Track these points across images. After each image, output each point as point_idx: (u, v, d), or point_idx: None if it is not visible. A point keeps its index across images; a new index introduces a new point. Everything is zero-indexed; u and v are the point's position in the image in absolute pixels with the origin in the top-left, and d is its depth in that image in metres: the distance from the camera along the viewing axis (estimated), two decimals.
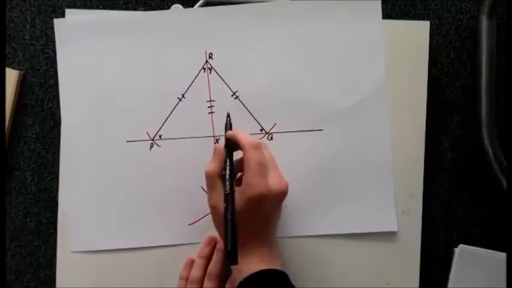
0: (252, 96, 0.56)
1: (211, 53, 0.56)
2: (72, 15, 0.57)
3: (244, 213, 0.47)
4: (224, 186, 0.47)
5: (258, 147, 0.48)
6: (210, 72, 0.56)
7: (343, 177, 0.55)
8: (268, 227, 0.51)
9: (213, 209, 0.49)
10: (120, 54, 0.56)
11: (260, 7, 0.56)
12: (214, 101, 0.56)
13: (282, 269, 0.49)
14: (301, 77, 0.56)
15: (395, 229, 0.55)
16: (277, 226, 0.54)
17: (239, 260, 0.45)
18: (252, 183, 0.47)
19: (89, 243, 0.56)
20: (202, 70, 0.56)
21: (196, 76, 0.56)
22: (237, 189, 0.48)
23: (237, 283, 0.48)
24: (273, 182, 0.48)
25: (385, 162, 0.55)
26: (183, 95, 0.56)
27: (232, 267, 0.50)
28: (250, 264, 0.48)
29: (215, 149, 0.50)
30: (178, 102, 0.56)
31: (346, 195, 0.55)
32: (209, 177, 0.49)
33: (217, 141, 0.56)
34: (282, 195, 0.49)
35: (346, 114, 0.55)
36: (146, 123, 0.56)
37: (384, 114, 0.55)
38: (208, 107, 0.56)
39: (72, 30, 0.57)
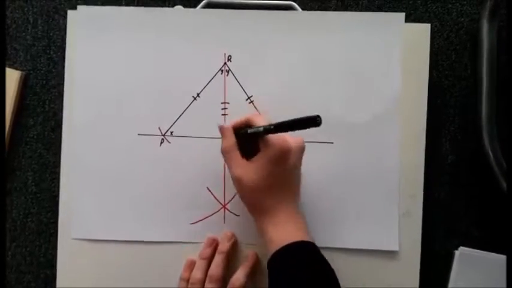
0: (266, 103, 0.56)
1: (230, 56, 0.56)
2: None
3: (270, 178, 0.48)
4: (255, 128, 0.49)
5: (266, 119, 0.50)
6: (227, 75, 0.56)
7: (350, 192, 0.55)
8: (293, 193, 0.51)
9: (238, 180, 0.49)
10: (136, 49, 0.56)
11: (282, 15, 0.56)
12: (228, 103, 0.56)
13: (311, 240, 0.49)
14: (316, 88, 0.56)
15: (396, 248, 0.55)
16: (300, 196, 0.52)
17: (272, 230, 0.48)
18: (273, 142, 0.48)
19: (89, 231, 0.56)
20: (220, 72, 0.56)
21: (213, 77, 0.56)
22: (258, 156, 0.48)
23: (270, 254, 0.48)
24: (290, 139, 0.49)
25: (393, 180, 0.55)
26: (198, 94, 0.56)
27: (265, 239, 0.49)
28: (284, 234, 0.48)
29: (222, 128, 0.50)
30: (193, 101, 0.56)
31: (350, 210, 0.55)
32: (226, 152, 0.50)
33: None
34: (300, 149, 0.50)
35: (359, 130, 0.55)
36: (159, 118, 0.56)
37: (395, 132, 0.55)
38: (222, 109, 0.56)
39: (88, 23, 0.56)
